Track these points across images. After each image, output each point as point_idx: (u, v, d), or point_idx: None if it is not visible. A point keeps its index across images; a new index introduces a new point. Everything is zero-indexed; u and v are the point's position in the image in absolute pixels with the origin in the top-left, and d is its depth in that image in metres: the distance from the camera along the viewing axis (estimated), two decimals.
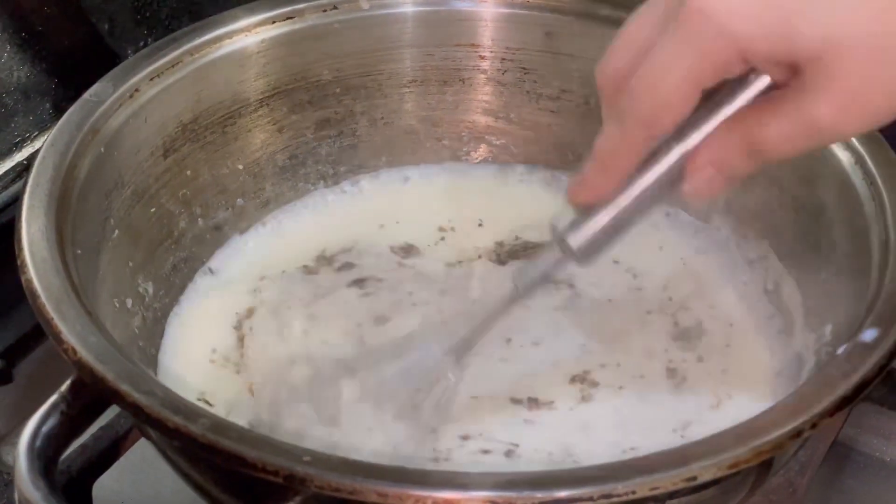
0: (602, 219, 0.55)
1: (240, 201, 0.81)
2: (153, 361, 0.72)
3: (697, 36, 0.50)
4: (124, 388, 0.54)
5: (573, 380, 0.70)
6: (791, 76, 0.50)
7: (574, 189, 0.57)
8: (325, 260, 0.80)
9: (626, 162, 0.54)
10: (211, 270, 0.79)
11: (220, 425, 0.52)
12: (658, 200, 0.55)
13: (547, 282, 0.61)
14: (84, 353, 0.56)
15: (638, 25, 0.54)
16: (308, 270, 0.79)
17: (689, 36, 0.50)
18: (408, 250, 0.80)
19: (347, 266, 0.79)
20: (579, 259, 0.57)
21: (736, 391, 0.69)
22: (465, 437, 0.66)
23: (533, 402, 0.68)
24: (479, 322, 0.65)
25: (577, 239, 0.56)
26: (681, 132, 0.53)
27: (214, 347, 0.73)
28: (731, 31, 0.49)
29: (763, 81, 0.52)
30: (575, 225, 0.56)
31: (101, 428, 0.69)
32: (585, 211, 0.56)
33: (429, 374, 0.66)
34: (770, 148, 0.52)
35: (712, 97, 0.53)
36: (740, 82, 0.52)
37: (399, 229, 0.82)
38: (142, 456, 0.70)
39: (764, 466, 0.55)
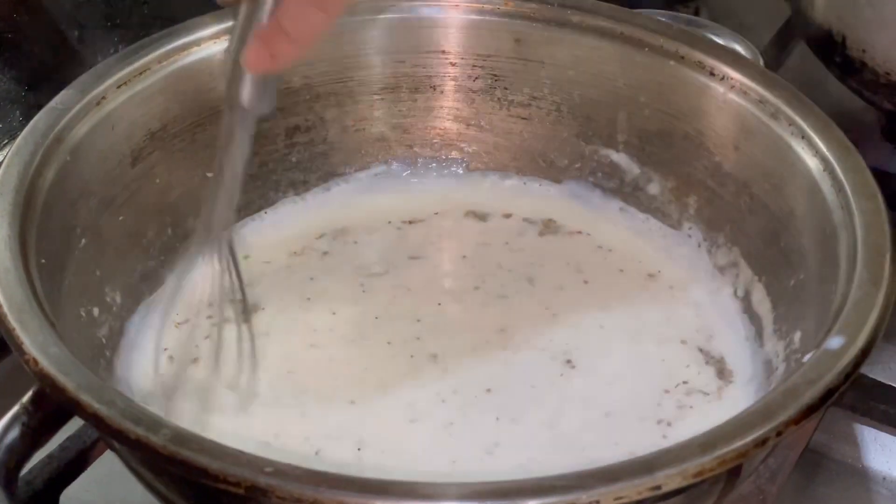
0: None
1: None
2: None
3: None
4: (85, 398, 0.54)
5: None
6: None
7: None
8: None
9: None
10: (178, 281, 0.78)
11: (182, 436, 0.52)
12: None
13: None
14: (45, 364, 0.55)
15: None
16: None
17: None
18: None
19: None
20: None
21: (705, 399, 0.69)
22: None
23: None
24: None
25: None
26: None
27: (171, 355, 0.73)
28: None
29: None
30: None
31: (68, 438, 0.68)
32: None
33: None
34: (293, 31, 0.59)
35: None
36: None
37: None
38: (110, 466, 0.69)
39: (732, 474, 0.55)
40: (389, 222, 0.84)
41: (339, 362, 0.72)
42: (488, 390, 0.70)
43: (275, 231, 0.83)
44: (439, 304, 0.77)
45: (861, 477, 0.76)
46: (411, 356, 0.72)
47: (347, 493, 0.50)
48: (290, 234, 0.83)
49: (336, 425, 0.68)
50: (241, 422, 0.68)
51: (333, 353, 0.73)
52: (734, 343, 0.73)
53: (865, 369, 0.59)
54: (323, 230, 0.83)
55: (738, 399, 0.69)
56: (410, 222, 0.84)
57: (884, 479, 0.76)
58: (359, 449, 0.66)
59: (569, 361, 0.72)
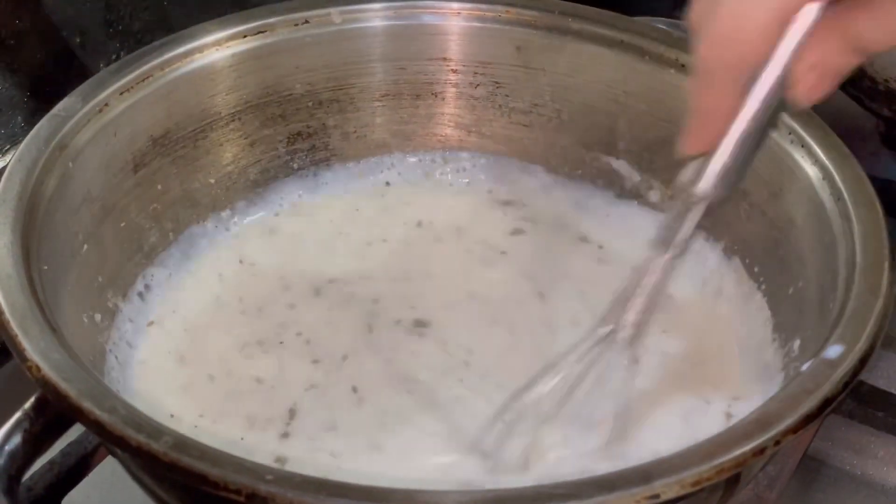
0: (719, 159, 0.56)
1: (212, 215, 0.81)
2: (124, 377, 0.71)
3: None
4: (86, 405, 0.54)
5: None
6: None
7: (685, 145, 0.57)
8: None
9: (727, 105, 0.55)
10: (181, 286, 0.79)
11: (183, 443, 0.52)
12: (771, 118, 0.55)
13: (692, 236, 0.61)
14: (47, 370, 0.56)
15: None
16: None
17: None
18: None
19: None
20: (715, 198, 0.57)
21: (704, 406, 0.69)
22: None
23: None
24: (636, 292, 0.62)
25: (706, 182, 0.57)
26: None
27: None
28: None
29: None
30: (697, 172, 0.57)
31: (70, 444, 0.68)
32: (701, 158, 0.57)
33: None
34: (869, 42, 0.52)
35: None
36: None
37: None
38: (111, 472, 0.70)
39: (730, 482, 0.55)
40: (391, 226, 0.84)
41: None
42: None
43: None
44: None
45: (860, 484, 0.76)
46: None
47: (348, 501, 0.50)
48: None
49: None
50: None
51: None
52: (732, 351, 0.73)
53: (864, 376, 0.59)
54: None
55: (735, 408, 0.68)
56: (418, 224, 0.84)
57: (882, 486, 0.76)
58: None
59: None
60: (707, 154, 0.56)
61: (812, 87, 0.54)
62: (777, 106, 0.55)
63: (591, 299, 0.76)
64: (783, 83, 0.54)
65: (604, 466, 0.60)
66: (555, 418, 0.65)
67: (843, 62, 0.54)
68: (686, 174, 0.57)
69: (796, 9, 0.51)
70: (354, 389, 0.70)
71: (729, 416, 0.68)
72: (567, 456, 0.65)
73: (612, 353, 0.62)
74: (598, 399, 0.65)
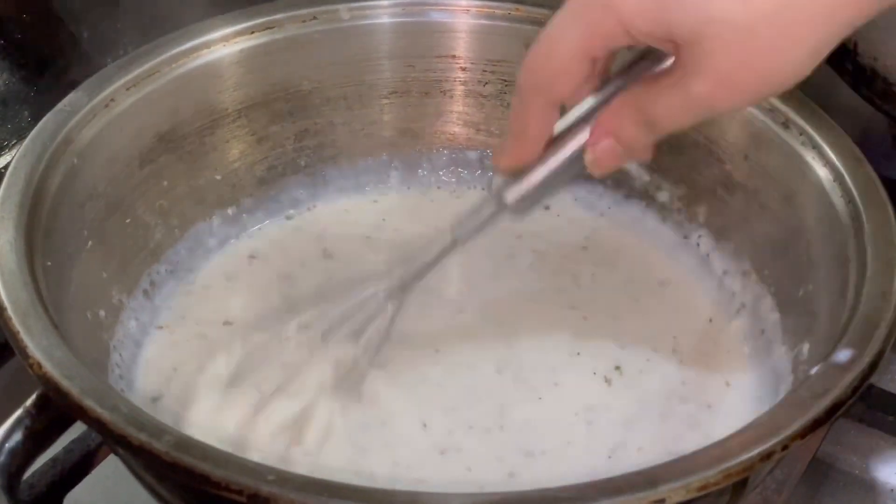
0: (531, 178, 0.61)
1: (218, 212, 0.81)
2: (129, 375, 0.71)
3: (584, 9, 0.54)
4: (88, 403, 0.53)
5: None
6: (676, 52, 0.53)
7: (496, 158, 0.62)
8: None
9: (535, 129, 0.59)
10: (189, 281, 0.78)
11: (185, 443, 0.52)
12: (573, 164, 0.60)
13: (481, 231, 0.65)
14: (49, 368, 0.55)
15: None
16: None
17: (577, 9, 0.54)
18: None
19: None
20: (513, 212, 0.62)
21: (713, 409, 0.69)
22: None
23: None
24: (418, 265, 0.68)
25: (511, 195, 0.62)
26: (588, 107, 0.58)
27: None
28: (615, 7, 0.52)
29: (656, 57, 0.56)
30: (509, 183, 0.61)
31: (73, 441, 0.68)
32: (516, 173, 0.61)
33: (368, 312, 0.70)
34: (660, 120, 0.56)
35: (618, 74, 0.58)
36: (638, 58, 0.57)
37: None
38: (114, 469, 0.69)
39: (737, 486, 0.55)
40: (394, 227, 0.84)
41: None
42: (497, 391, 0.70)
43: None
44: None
45: (868, 489, 0.76)
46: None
47: (350, 503, 0.49)
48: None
49: None
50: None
51: None
52: (741, 353, 0.73)
53: (874, 380, 0.58)
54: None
55: (744, 411, 0.68)
56: (424, 221, 0.83)
57: (892, 490, 0.75)
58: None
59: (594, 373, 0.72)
60: (516, 171, 0.61)
61: (603, 154, 0.58)
62: (579, 154, 0.59)
63: (591, 298, 0.77)
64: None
65: None
66: None
67: (636, 135, 0.57)
68: (497, 180, 0.62)
69: (597, 48, 0.55)
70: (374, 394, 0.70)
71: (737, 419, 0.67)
72: None
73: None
74: None
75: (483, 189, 0.85)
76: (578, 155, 0.59)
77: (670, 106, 0.55)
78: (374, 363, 0.70)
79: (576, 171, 0.60)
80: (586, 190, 0.85)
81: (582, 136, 0.58)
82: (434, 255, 0.67)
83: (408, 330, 0.73)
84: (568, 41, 0.55)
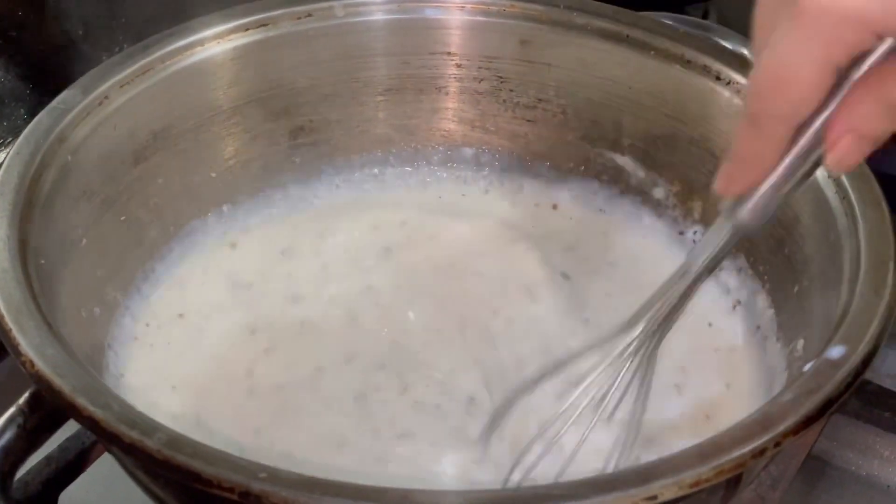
0: (764, 193, 0.56)
1: (213, 210, 0.81)
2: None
3: (818, 26, 0.50)
4: (80, 401, 0.53)
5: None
6: None
7: (722, 186, 0.57)
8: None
9: (769, 157, 0.55)
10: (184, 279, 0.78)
11: (177, 440, 0.52)
12: (810, 168, 0.55)
13: (721, 260, 0.60)
14: (41, 366, 0.55)
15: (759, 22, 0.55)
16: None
17: (809, 30, 0.50)
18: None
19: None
20: (750, 230, 0.58)
21: (708, 404, 0.69)
22: None
23: None
24: (664, 312, 0.62)
25: (746, 213, 0.57)
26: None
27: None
28: (859, 18, 0.49)
29: (890, 43, 0.51)
30: (739, 203, 0.57)
31: (68, 439, 0.68)
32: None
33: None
34: None
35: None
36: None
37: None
38: (109, 467, 0.69)
39: (731, 483, 0.54)
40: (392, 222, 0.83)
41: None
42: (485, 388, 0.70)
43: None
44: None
45: (864, 485, 0.76)
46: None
47: (341, 500, 0.49)
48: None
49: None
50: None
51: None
52: (736, 350, 0.72)
53: (870, 376, 0.58)
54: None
55: (737, 407, 0.68)
56: (419, 219, 0.83)
57: (888, 487, 0.75)
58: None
59: None
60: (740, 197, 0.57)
61: (846, 152, 0.53)
62: (814, 156, 0.55)
63: (586, 294, 0.77)
64: (822, 136, 0.54)
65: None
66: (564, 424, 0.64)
67: (878, 127, 0.53)
68: (727, 202, 0.58)
69: (843, 58, 0.51)
70: (362, 387, 0.70)
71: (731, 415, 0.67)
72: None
73: (627, 364, 0.62)
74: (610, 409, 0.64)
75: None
76: (811, 157, 0.55)
77: None
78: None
79: (808, 172, 0.56)
80: (581, 187, 0.84)
81: (813, 141, 0.54)
82: (678, 295, 0.61)
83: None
84: (810, 62, 0.51)
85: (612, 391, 0.62)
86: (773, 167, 0.55)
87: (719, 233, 0.59)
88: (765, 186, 0.56)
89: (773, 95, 0.53)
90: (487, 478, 0.64)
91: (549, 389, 0.66)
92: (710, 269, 0.60)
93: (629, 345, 0.62)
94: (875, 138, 0.53)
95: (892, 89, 0.52)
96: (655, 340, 0.62)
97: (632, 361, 0.62)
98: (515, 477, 0.62)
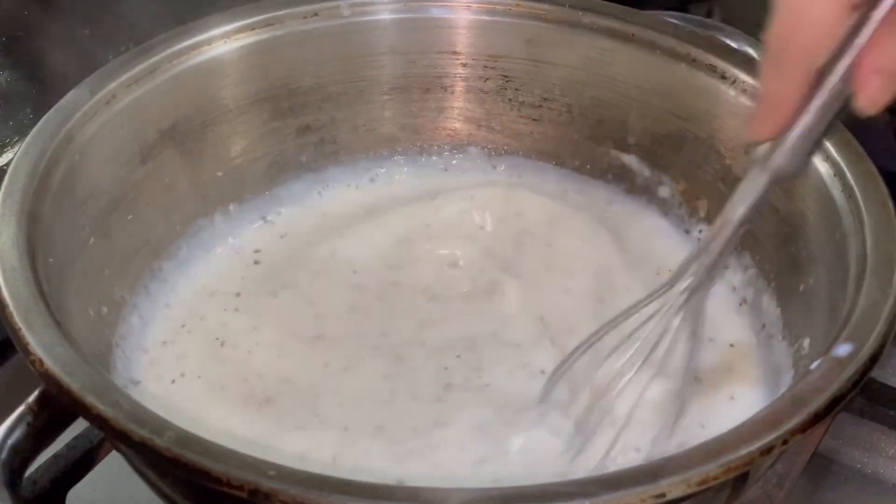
0: (796, 136, 0.57)
1: (219, 208, 0.81)
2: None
3: None
4: (90, 400, 0.54)
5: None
6: None
7: (753, 128, 0.58)
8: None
9: (794, 96, 0.55)
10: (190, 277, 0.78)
11: (186, 439, 0.52)
12: (839, 109, 0.56)
13: (761, 208, 0.61)
14: (50, 365, 0.55)
15: None
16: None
17: None
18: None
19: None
20: (786, 176, 0.58)
21: (713, 404, 0.69)
22: None
23: None
24: (706, 264, 0.62)
25: (780, 158, 0.58)
26: (842, 45, 0.54)
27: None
28: None
29: None
30: (772, 149, 0.58)
31: (76, 438, 0.68)
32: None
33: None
34: None
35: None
36: None
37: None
38: (116, 466, 0.69)
39: (738, 481, 0.54)
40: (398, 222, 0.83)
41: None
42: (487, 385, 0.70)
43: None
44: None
45: (870, 483, 0.76)
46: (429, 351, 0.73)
47: (350, 498, 0.49)
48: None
49: None
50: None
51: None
52: (742, 348, 0.72)
53: (876, 374, 0.58)
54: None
55: (745, 405, 0.68)
56: (424, 219, 0.83)
57: (893, 485, 0.75)
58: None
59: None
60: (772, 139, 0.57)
61: (876, 92, 0.54)
62: (841, 97, 0.55)
63: (593, 293, 0.77)
64: (850, 77, 0.54)
65: None
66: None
67: None
68: (760, 149, 0.59)
69: None
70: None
71: (738, 413, 0.67)
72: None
73: (675, 318, 0.63)
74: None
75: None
76: (839, 97, 0.55)
77: None
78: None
79: (838, 113, 0.56)
80: (587, 184, 0.84)
81: (838, 78, 0.54)
82: (719, 247, 0.62)
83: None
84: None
85: (662, 344, 0.63)
86: (800, 107, 0.55)
87: (755, 182, 0.60)
88: (797, 129, 0.56)
89: (792, 33, 0.53)
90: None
91: (601, 348, 0.66)
92: (750, 219, 0.61)
93: (677, 298, 0.63)
94: None
95: None
96: (701, 294, 0.63)
97: (679, 315, 0.63)
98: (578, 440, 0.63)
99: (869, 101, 0.54)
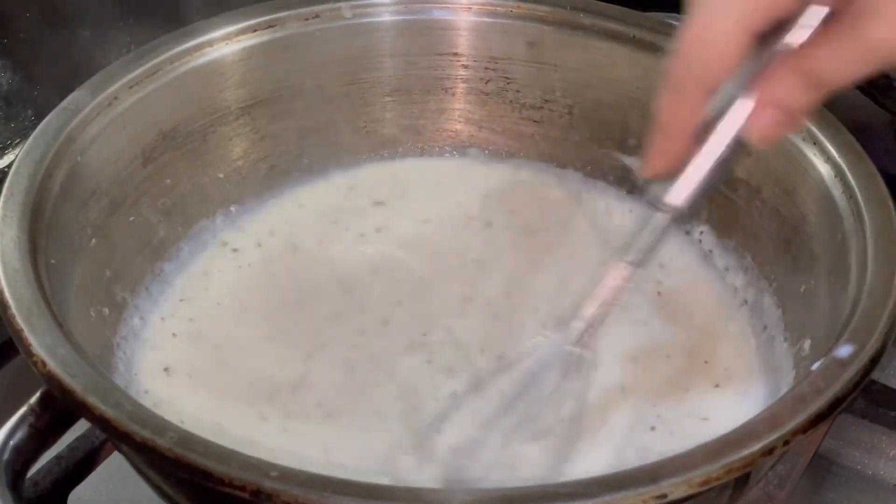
0: (693, 173, 0.56)
1: (221, 210, 0.81)
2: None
3: None
4: (92, 400, 0.54)
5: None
6: (845, 2, 0.50)
7: (647, 163, 0.57)
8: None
9: (689, 122, 0.55)
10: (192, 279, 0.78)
11: (188, 439, 0.52)
12: (735, 145, 0.55)
13: (656, 249, 0.59)
14: (53, 366, 0.55)
15: None
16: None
17: None
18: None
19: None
20: (681, 214, 0.57)
21: (715, 405, 0.69)
22: None
23: None
24: (597, 307, 0.62)
25: (677, 196, 0.56)
26: (740, 78, 0.53)
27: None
28: None
29: (817, 13, 0.52)
30: (666, 186, 0.57)
31: (77, 439, 0.68)
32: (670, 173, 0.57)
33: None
34: (829, 77, 0.52)
35: (766, 38, 0.53)
36: (793, 18, 0.52)
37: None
38: (118, 467, 0.69)
39: (739, 481, 0.55)
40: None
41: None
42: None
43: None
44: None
45: (871, 484, 0.76)
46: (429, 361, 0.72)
47: (351, 499, 0.49)
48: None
49: None
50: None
51: None
52: (743, 350, 0.73)
53: (876, 375, 0.58)
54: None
55: (746, 406, 0.68)
56: (426, 220, 0.83)
57: (894, 486, 0.75)
58: None
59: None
60: (668, 175, 0.56)
61: (768, 126, 0.54)
62: (737, 132, 0.55)
63: None
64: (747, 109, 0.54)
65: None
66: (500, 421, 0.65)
67: (802, 99, 0.53)
68: (656, 187, 0.57)
69: (759, 21, 0.51)
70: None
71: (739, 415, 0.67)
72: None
73: (563, 357, 0.63)
74: (548, 405, 0.65)
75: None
76: (726, 140, 0.55)
77: (842, 59, 0.51)
78: None
79: (734, 152, 0.56)
80: (588, 187, 0.85)
81: (737, 114, 0.54)
82: (613, 289, 0.61)
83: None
84: (727, 20, 0.51)
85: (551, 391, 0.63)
86: (690, 136, 0.55)
87: (651, 224, 0.58)
88: (692, 166, 0.55)
89: (693, 56, 0.53)
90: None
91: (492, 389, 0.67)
92: (643, 263, 0.60)
93: (567, 343, 0.62)
94: (797, 112, 0.54)
95: (816, 62, 0.52)
96: (590, 337, 0.62)
97: (569, 361, 0.63)
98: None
99: (760, 135, 0.54)
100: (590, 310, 0.61)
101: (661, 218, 0.58)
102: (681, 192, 0.56)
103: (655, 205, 0.57)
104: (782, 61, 0.53)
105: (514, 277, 0.78)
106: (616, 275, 0.60)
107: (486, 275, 0.79)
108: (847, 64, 0.51)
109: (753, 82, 0.53)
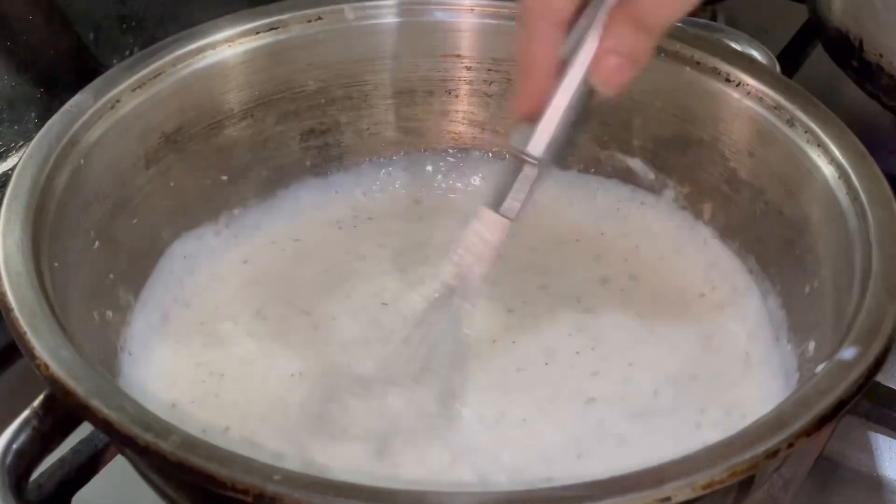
0: (546, 121, 0.59)
1: (224, 212, 0.81)
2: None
3: None
4: (94, 403, 0.54)
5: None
6: None
7: (513, 105, 0.60)
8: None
9: (544, 60, 0.58)
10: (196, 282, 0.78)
11: (191, 442, 0.52)
12: (586, 90, 0.59)
13: (528, 200, 0.62)
14: (56, 368, 0.55)
15: None
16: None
17: None
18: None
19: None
20: (546, 164, 0.60)
21: (720, 407, 0.69)
22: None
23: None
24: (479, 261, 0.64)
25: (537, 145, 0.59)
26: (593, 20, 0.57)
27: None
28: None
29: None
30: (527, 135, 0.60)
31: (80, 441, 0.68)
32: (531, 122, 0.59)
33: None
34: (654, 20, 0.57)
35: None
36: None
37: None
38: (121, 470, 0.69)
39: (743, 484, 0.54)
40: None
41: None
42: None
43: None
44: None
45: (876, 485, 0.76)
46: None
47: (356, 502, 0.49)
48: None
49: None
50: None
51: None
52: (746, 351, 0.72)
53: (880, 377, 0.58)
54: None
55: (751, 409, 0.68)
56: (428, 221, 0.83)
57: None
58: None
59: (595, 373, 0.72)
60: (535, 118, 0.59)
61: (612, 71, 0.57)
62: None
63: (597, 297, 0.77)
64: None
65: None
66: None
67: (636, 44, 0.57)
68: (516, 137, 0.60)
69: None
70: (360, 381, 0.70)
71: (743, 417, 0.67)
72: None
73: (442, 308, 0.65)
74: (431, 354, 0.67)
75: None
76: (584, 80, 0.58)
77: (664, 4, 0.56)
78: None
79: (587, 98, 0.59)
80: (591, 188, 0.84)
81: (583, 58, 0.58)
82: (494, 242, 0.63)
83: None
84: None
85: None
86: (548, 75, 0.58)
87: (516, 173, 0.61)
88: (549, 108, 0.58)
89: None
90: None
91: None
92: (516, 213, 0.62)
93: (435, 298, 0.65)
94: (635, 57, 0.57)
95: (637, 8, 0.56)
96: (458, 294, 0.65)
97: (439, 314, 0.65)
98: None
99: (604, 82, 0.58)
100: (463, 258, 0.64)
101: (529, 169, 0.60)
102: (540, 141, 0.59)
103: (519, 156, 0.60)
104: (613, 11, 0.57)
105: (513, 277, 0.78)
106: (488, 225, 0.63)
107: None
108: (667, 4, 0.56)
109: (594, 29, 0.57)
